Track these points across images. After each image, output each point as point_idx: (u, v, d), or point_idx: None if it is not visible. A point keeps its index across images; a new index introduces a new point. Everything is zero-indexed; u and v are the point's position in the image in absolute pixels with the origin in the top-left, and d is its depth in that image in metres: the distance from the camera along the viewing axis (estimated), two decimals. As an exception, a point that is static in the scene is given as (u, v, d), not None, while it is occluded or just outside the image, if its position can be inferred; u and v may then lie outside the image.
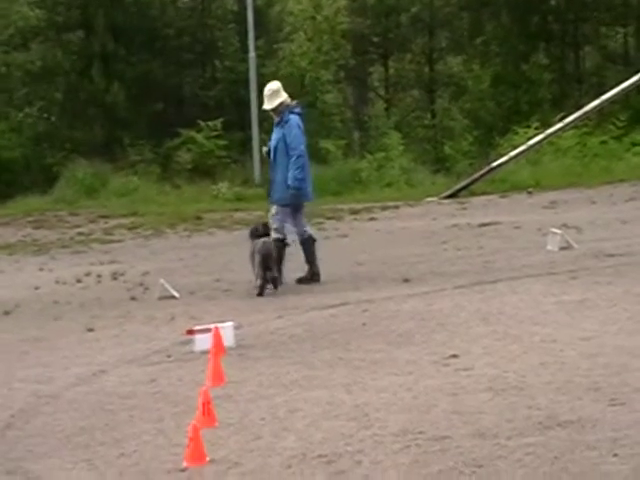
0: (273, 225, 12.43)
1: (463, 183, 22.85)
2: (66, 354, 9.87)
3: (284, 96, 12.35)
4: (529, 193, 21.86)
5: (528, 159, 24.06)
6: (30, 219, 22.37)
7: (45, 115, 28.94)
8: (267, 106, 12.30)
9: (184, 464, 6.30)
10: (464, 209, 20.18)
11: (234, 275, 13.94)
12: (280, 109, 12.30)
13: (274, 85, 12.46)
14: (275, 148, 12.37)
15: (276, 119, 12.40)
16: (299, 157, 12.25)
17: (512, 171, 23.48)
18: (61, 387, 8.63)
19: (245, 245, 15.60)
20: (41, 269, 15.88)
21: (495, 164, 23.00)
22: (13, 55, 29.68)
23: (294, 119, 12.32)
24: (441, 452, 6.16)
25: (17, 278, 15.25)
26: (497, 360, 8.25)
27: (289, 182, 12.23)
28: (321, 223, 19.34)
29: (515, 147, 23.75)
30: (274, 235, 12.30)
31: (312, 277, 12.57)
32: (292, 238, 12.94)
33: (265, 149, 12.60)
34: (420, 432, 6.55)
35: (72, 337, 10.70)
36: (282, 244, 12.42)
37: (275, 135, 12.42)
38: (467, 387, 7.52)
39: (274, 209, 12.50)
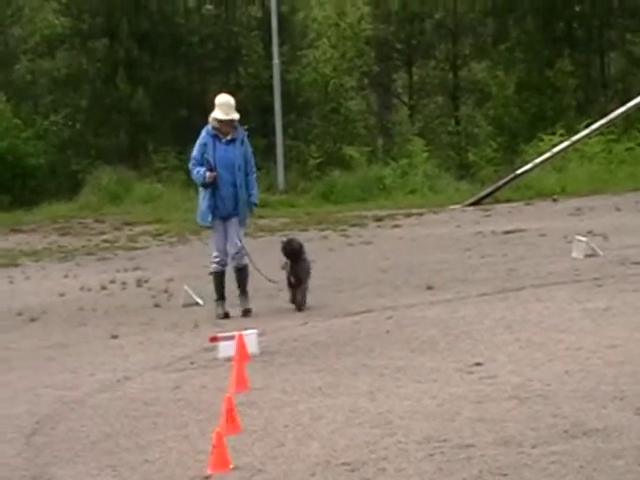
0: (242, 249, 11.65)
1: (487, 190, 22.79)
2: (91, 360, 9.91)
3: (236, 113, 11.53)
4: (554, 200, 21.78)
5: (553, 166, 23.98)
6: (56, 226, 22.48)
7: (70, 122, 29.08)
8: (234, 116, 11.41)
9: (208, 471, 6.31)
10: (488, 216, 20.12)
11: (257, 282, 13.96)
12: (236, 124, 11.56)
13: (231, 97, 11.60)
14: (235, 166, 11.43)
15: (230, 136, 11.42)
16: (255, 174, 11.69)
17: (537, 178, 23.40)
18: (86, 393, 8.67)
19: (268, 252, 15.62)
20: (66, 276, 15.96)
21: (520, 171, 22.93)
22: (39, 63, 29.86)
23: (246, 138, 11.69)
24: (465, 460, 6.13)
25: (43, 285, 15.33)
26: (522, 368, 8.21)
27: (254, 200, 11.72)
28: (345, 230, 19.35)
29: (540, 154, 23.67)
30: (247, 261, 11.70)
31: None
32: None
33: (213, 174, 11.37)
34: (444, 440, 6.53)
35: (97, 344, 10.75)
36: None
37: (232, 152, 11.43)
38: (491, 395, 7.49)
39: (235, 230, 11.63)
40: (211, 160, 11.36)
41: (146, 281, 14.77)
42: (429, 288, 12.44)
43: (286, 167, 26.65)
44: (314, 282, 13.72)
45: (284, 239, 12.11)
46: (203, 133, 11.48)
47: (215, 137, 11.39)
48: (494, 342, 9.22)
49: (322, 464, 6.28)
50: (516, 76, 29.88)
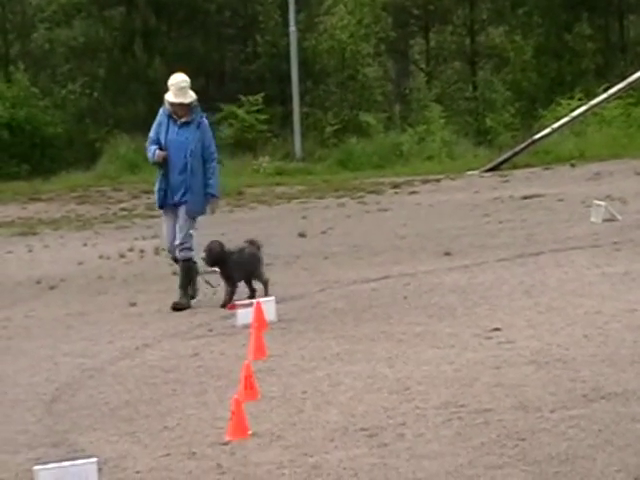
0: (188, 241, 10.60)
1: (505, 155, 22.68)
2: (110, 328, 9.95)
3: (193, 93, 10.63)
4: (572, 165, 21.66)
5: (572, 130, 23.82)
6: (74, 195, 22.53)
7: (88, 91, 29.07)
8: (185, 99, 10.47)
9: (227, 437, 6.34)
10: (506, 182, 20.04)
11: (275, 249, 13.95)
12: (193, 106, 10.58)
13: (186, 78, 10.64)
14: (187, 151, 10.49)
15: (185, 118, 10.50)
16: (216, 162, 10.77)
17: (555, 143, 23.27)
18: (105, 361, 8.71)
19: (286, 219, 15.65)
20: (85, 244, 16.01)
21: (538, 136, 22.80)
22: (56, 32, 29.83)
23: (206, 121, 10.73)
24: (484, 425, 6.14)
25: (62, 253, 15.39)
26: (540, 333, 8.20)
27: (211, 190, 10.59)
28: (362, 197, 19.31)
29: (558, 118, 23.52)
30: (193, 254, 10.63)
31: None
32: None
33: (163, 153, 10.50)
34: (462, 405, 6.54)
35: (116, 312, 10.79)
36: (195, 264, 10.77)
37: (184, 135, 10.50)
38: (510, 360, 7.48)
39: (183, 220, 10.59)
40: (162, 141, 10.51)
41: (164, 249, 14.79)
42: (447, 254, 12.41)
43: (303, 135, 26.58)
44: (331, 249, 13.73)
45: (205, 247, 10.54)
46: (160, 111, 10.66)
47: (170, 117, 10.55)
48: (512, 307, 9.21)
49: (340, 430, 6.30)
50: (534, 40, 29.66)
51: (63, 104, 28.60)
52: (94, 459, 5.67)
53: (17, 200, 22.12)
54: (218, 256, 10.41)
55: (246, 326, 9.13)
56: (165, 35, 29.28)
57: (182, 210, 10.60)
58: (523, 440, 5.82)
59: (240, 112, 27.31)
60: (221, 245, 10.52)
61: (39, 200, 22.09)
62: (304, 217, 17.27)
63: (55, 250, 15.78)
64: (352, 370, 7.62)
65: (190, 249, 10.62)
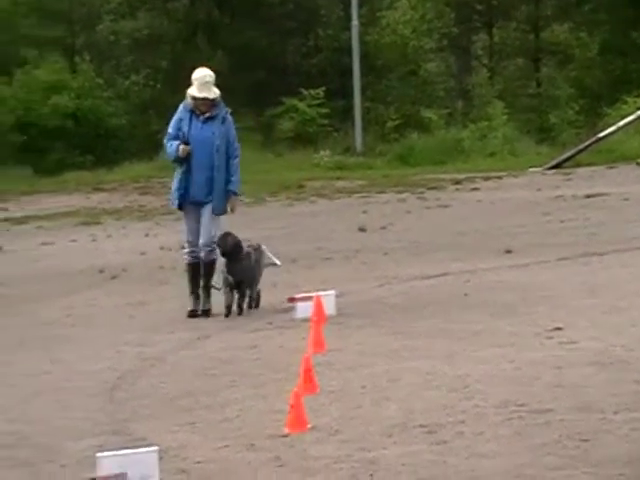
0: (213, 241, 10.12)
1: (568, 153, 22.47)
2: (171, 319, 10.03)
3: (216, 89, 10.16)
4: (638, 164, 21.38)
5: (637, 129, 23.52)
6: (136, 185, 22.75)
7: (151, 83, 29.33)
8: (209, 94, 10.00)
9: (286, 430, 6.35)
10: (569, 180, 19.85)
11: (335, 244, 13.98)
12: (217, 101, 10.11)
13: (211, 72, 10.16)
14: (213, 147, 10.01)
15: (209, 113, 10.04)
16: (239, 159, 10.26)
17: (620, 141, 23.01)
18: (166, 351, 8.78)
19: (345, 214, 15.62)
20: (147, 235, 16.16)
21: (602, 134, 22.55)
22: (121, 23, 30.12)
23: (230, 117, 10.25)
24: (544, 425, 6.09)
25: (124, 243, 15.55)
26: (603, 333, 8.11)
27: (234, 188, 10.15)
28: (422, 193, 19.25)
29: (623, 116, 23.23)
30: (216, 256, 10.18)
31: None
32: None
33: (187, 148, 10.00)
34: (522, 404, 6.49)
35: (176, 302, 10.87)
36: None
37: (209, 130, 10.03)
38: (571, 360, 7.41)
39: (209, 220, 10.14)
40: (185, 137, 10.01)
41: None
42: (508, 252, 12.33)
43: (364, 129, 26.57)
44: (391, 245, 13.70)
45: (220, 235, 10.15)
46: (180, 107, 10.18)
47: (192, 112, 10.07)
48: (574, 307, 9.12)
49: (399, 426, 6.29)
50: (599, 37, 29.35)
51: (126, 95, 28.89)
52: (155, 448, 5.73)
53: (81, 190, 22.39)
54: (234, 248, 9.91)
55: (305, 319, 9.15)
56: (227, 28, 29.43)
57: (207, 210, 10.08)
58: (585, 441, 5.76)
59: (301, 105, 27.36)
60: (236, 240, 10.03)
61: (102, 190, 22.34)
62: (364, 212, 17.26)
63: (117, 240, 15.94)
64: (411, 366, 7.60)
65: (215, 250, 10.13)
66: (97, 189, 22.48)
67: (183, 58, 29.02)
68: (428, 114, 27.63)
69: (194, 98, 10.04)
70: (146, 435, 6.48)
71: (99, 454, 5.67)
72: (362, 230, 15.14)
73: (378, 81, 29.41)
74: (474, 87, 30.80)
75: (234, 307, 9.96)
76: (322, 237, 14.80)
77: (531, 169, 21.86)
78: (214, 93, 10.05)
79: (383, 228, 15.30)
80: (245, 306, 10.00)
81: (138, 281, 12.32)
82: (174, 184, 10.25)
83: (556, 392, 6.69)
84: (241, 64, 29.02)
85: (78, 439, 6.52)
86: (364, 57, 27.11)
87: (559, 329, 8.33)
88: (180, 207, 10.26)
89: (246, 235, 15.31)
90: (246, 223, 17.02)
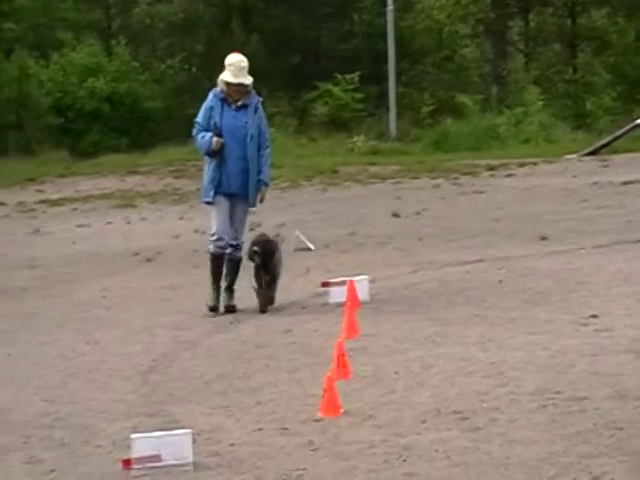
0: (242, 241, 9.81)
1: (605, 140, 22.29)
2: (205, 302, 10.06)
3: (249, 77, 9.74)
4: None
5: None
6: (171, 169, 22.82)
7: (186, 66, 29.39)
8: (246, 80, 9.59)
9: (319, 415, 6.37)
10: (606, 167, 19.70)
11: (369, 229, 13.97)
12: (250, 89, 9.71)
13: (245, 58, 9.71)
14: (248, 136, 9.61)
15: (242, 101, 9.60)
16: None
17: (658, 128, 22.79)
18: (200, 334, 8.82)
19: (379, 199, 15.56)
20: (181, 218, 16.22)
21: (639, 120, 22.35)
22: (157, 7, 30.19)
23: (261, 106, 9.84)
24: (579, 413, 6.06)
25: (158, 226, 15.62)
26: (639, 321, 8.05)
27: (265, 178, 9.78)
28: (457, 178, 19.18)
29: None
30: (241, 254, 9.81)
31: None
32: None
33: (221, 140, 9.56)
34: (557, 392, 6.46)
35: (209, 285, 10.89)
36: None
37: (242, 119, 9.60)
38: (607, 348, 7.37)
39: (242, 216, 9.81)
40: (218, 126, 9.55)
41: (258, 225, 14.89)
42: (543, 239, 12.27)
43: (398, 115, 26.48)
44: (425, 230, 13.68)
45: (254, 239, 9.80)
46: (210, 95, 9.68)
47: (224, 101, 9.59)
48: (610, 295, 9.06)
49: (432, 412, 6.28)
50: (637, 23, 29.02)
51: (162, 79, 28.96)
52: (189, 430, 5.76)
53: (116, 172, 22.50)
54: (274, 254, 9.61)
55: (339, 304, 9.16)
56: (262, 12, 29.38)
57: (241, 204, 9.67)
58: (620, 430, 5.73)
59: (336, 90, 27.30)
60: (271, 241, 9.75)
61: (137, 173, 22.43)
62: (398, 197, 17.22)
63: (152, 223, 16.02)
64: (445, 352, 7.59)
65: (242, 249, 9.77)
66: (132, 172, 22.57)
67: (218, 42, 29.03)
68: (463, 100, 27.49)
69: (229, 84, 9.55)
70: (180, 418, 6.52)
71: (134, 435, 5.72)
72: (396, 216, 15.11)
73: (413, 66, 29.30)
74: (510, 73, 30.60)
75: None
76: (356, 222, 14.79)
77: (567, 156, 21.71)
78: (249, 79, 9.65)
79: (417, 214, 15.26)
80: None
81: (172, 264, 12.38)
82: (206, 177, 9.73)
83: (591, 380, 6.66)
84: (276, 48, 29.00)
85: (113, 421, 6.57)
86: (399, 42, 26.99)
87: (594, 317, 8.28)
88: (209, 203, 9.76)
89: (281, 219, 15.37)
90: (281, 207, 17.05)
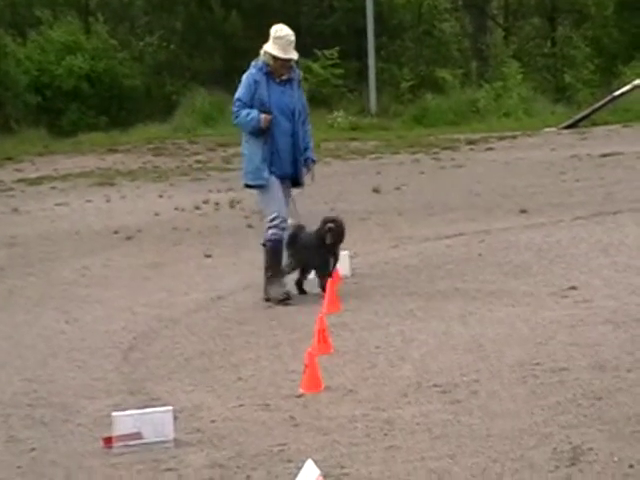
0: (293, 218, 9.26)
1: (584, 113, 22.32)
2: (185, 280, 10.06)
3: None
4: None
5: (653, 88, 23.32)
6: (150, 146, 22.71)
7: (165, 44, 29.21)
8: (294, 55, 9.05)
9: (300, 390, 6.38)
10: (584, 139, 19.74)
11: (349, 204, 13.96)
12: (292, 64, 9.18)
13: (291, 31, 9.14)
14: (295, 112, 9.07)
15: (287, 75, 9.07)
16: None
17: (636, 100, 22.83)
18: (181, 312, 8.81)
19: (360, 175, 15.54)
20: (161, 196, 16.16)
21: (618, 93, 22.37)
22: (134, -16, 29.98)
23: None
24: (559, 384, 6.09)
25: (138, 204, 15.55)
26: (618, 292, 8.09)
27: (311, 155, 9.26)
28: (437, 153, 19.17)
29: (639, 75, 23.04)
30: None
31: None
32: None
33: (269, 117, 8.96)
34: (537, 364, 6.49)
35: (191, 263, 10.89)
36: None
37: (289, 94, 9.07)
38: (586, 319, 7.40)
39: (293, 195, 9.32)
40: (265, 104, 8.95)
41: (239, 202, 14.88)
42: (523, 212, 12.29)
43: (378, 90, 26.41)
44: (405, 206, 13.69)
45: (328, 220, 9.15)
46: (252, 70, 9.07)
47: (269, 75, 9.01)
48: (589, 266, 9.10)
49: (413, 386, 6.30)
50: (616, -5, 29.02)
51: (141, 57, 28.78)
52: (170, 407, 5.76)
53: (95, 151, 22.38)
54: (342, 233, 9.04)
55: (320, 280, 9.14)
56: (241, -12, 29.21)
57: (287, 183, 9.10)
58: (599, 400, 5.76)
59: (315, 67, 27.20)
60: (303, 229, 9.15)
61: (117, 151, 22.31)
62: (378, 173, 17.21)
63: (132, 201, 15.95)
64: (425, 327, 7.61)
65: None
66: (111, 150, 22.46)
67: (197, 19, 28.88)
68: (443, 74, 27.44)
69: (276, 58, 8.92)
70: (161, 395, 6.52)
71: (114, 413, 5.72)
72: (376, 191, 15.11)
73: (392, 42, 29.21)
74: (489, 47, 30.55)
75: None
76: (336, 198, 14.77)
77: (546, 129, 21.73)
78: (296, 54, 9.08)
79: (397, 189, 15.26)
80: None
81: (153, 242, 12.34)
82: (255, 157, 9.00)
83: (571, 351, 6.69)
84: (255, 25, 28.83)
85: (94, 399, 6.56)
86: (378, 17, 26.90)
87: (574, 288, 8.31)
88: (262, 186, 9.05)
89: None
90: (260, 184, 17.03)
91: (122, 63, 27.97)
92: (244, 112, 8.99)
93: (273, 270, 8.95)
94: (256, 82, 8.98)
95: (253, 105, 8.97)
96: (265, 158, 8.98)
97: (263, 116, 8.90)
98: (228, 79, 29.02)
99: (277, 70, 9.00)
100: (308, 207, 13.98)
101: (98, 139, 23.91)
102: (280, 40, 8.97)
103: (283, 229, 8.96)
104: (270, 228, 8.95)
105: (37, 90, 26.67)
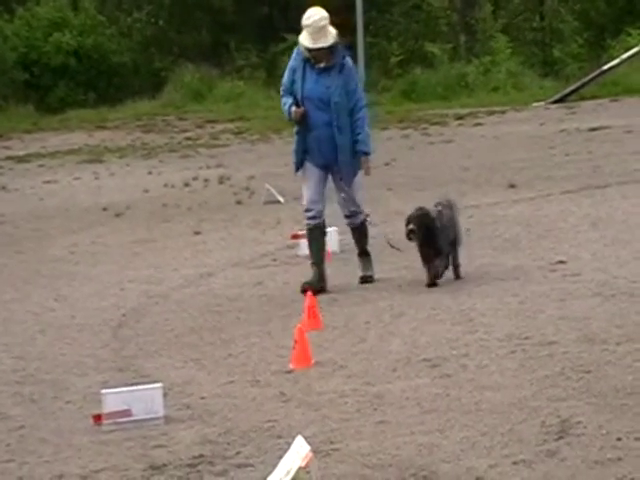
0: (356, 205, 8.84)
1: (572, 87, 22.28)
2: (175, 256, 10.05)
3: (332, 29, 8.53)
4: None
5: (641, 61, 23.29)
6: (139, 123, 22.64)
7: (153, 20, 29.05)
8: (326, 42, 8.39)
9: (290, 366, 6.39)
10: (573, 113, 19.73)
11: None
12: (334, 48, 8.47)
13: (324, 13, 8.52)
14: (331, 102, 8.46)
15: (326, 62, 8.44)
16: (366, 111, 8.64)
17: (624, 74, 22.79)
18: (170, 288, 8.81)
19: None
20: (150, 172, 16.12)
21: (606, 67, 22.34)
22: (121, -41, 29.75)
23: (349, 60, 8.64)
24: (548, 357, 6.12)
25: (127, 181, 15.52)
26: (606, 266, 8.12)
27: (362, 147, 8.54)
28: (426, 128, 19.14)
29: (628, 49, 23.00)
30: (362, 218, 8.93)
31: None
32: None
33: (300, 110, 8.47)
34: (526, 337, 6.51)
35: (180, 240, 10.88)
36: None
37: (325, 83, 8.47)
38: (575, 293, 7.43)
39: (347, 188, 8.71)
40: (298, 92, 8.48)
41: (228, 178, 14.86)
42: (512, 186, 12.30)
43: (367, 65, 26.32)
44: (394, 181, 13.68)
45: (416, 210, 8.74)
46: (294, 54, 8.63)
47: (307, 61, 8.48)
48: (578, 240, 9.12)
49: (403, 360, 6.32)
50: (604, -32, 28.92)
51: (129, 32, 28.62)
52: (160, 384, 5.76)
53: (84, 128, 22.30)
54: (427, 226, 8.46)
55: (309, 256, 9.13)
56: (230, -37, 29.03)
57: (338, 176, 8.61)
58: (588, 373, 5.78)
59: (304, 42, 27.09)
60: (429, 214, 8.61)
61: (105, 128, 22.24)
62: (367, 148, 17.17)
63: (121, 178, 15.91)
64: (415, 301, 7.63)
65: (359, 214, 8.85)
66: (100, 127, 22.38)
67: (186, -6, 28.73)
68: (431, 49, 27.36)
69: (308, 50, 8.40)
70: (151, 372, 6.52)
71: (104, 390, 5.72)
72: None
73: (381, 16, 29.09)
74: (478, 21, 30.44)
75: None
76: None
77: (535, 103, 21.71)
78: (332, 38, 8.39)
79: (387, 164, 15.23)
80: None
81: (142, 219, 12.32)
82: (296, 145, 8.68)
83: (560, 324, 6.72)
84: (244, 1, 28.71)
85: (83, 376, 6.57)
86: (366, -8, 26.77)
87: (562, 262, 8.33)
88: (297, 170, 8.77)
89: (251, 172, 15.31)
90: (251, 160, 16.99)
91: (110, 39, 27.81)
92: (284, 99, 8.63)
93: (310, 256, 8.68)
94: (294, 69, 8.56)
95: (293, 91, 8.56)
96: (298, 149, 8.65)
97: (293, 109, 8.49)
98: (216, 55, 28.98)
99: (313, 58, 8.46)
100: (296, 183, 13.99)
101: (86, 116, 23.82)
102: (309, 28, 8.39)
103: (316, 217, 8.65)
104: (305, 218, 8.76)
105: (25, 67, 26.53)
